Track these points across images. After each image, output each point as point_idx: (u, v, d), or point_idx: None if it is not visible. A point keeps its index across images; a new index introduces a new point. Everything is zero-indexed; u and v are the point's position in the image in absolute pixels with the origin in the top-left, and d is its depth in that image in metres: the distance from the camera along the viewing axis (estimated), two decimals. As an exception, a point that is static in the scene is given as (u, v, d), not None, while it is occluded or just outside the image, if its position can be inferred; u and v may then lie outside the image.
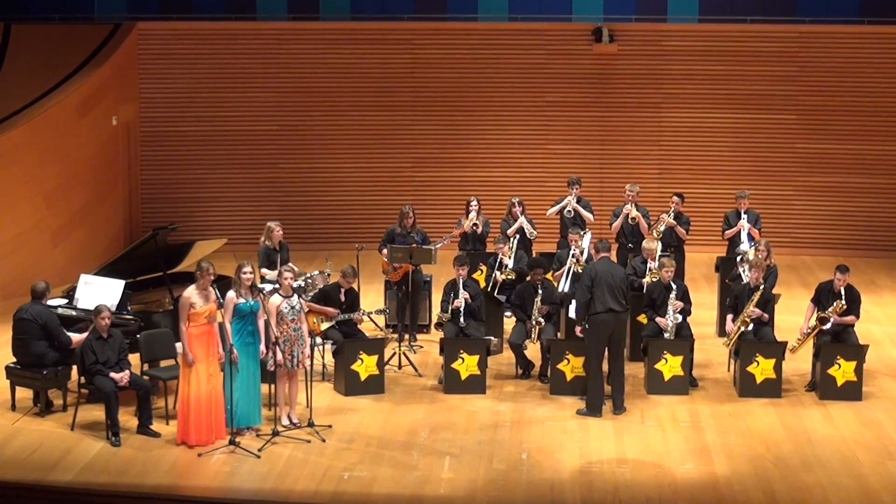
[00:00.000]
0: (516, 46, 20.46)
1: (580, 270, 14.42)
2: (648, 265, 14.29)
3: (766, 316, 13.27)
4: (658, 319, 13.32)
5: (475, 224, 15.69)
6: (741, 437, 11.86)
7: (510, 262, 14.92)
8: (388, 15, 20.45)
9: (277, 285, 12.25)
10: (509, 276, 14.71)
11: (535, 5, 20.47)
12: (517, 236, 15.43)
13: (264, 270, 14.23)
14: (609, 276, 12.37)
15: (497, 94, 20.51)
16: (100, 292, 12.85)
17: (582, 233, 15.00)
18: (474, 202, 15.85)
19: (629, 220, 15.57)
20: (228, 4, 20.55)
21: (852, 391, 12.84)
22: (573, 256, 14.52)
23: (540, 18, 20.46)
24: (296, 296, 11.95)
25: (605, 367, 12.61)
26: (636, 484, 10.73)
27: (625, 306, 12.43)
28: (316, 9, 20.69)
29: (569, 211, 15.81)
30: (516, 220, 15.67)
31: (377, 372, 13.03)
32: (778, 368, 12.92)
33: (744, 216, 15.50)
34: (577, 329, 12.70)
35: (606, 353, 12.52)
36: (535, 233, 15.74)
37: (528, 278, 13.94)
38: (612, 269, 12.53)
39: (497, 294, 14.63)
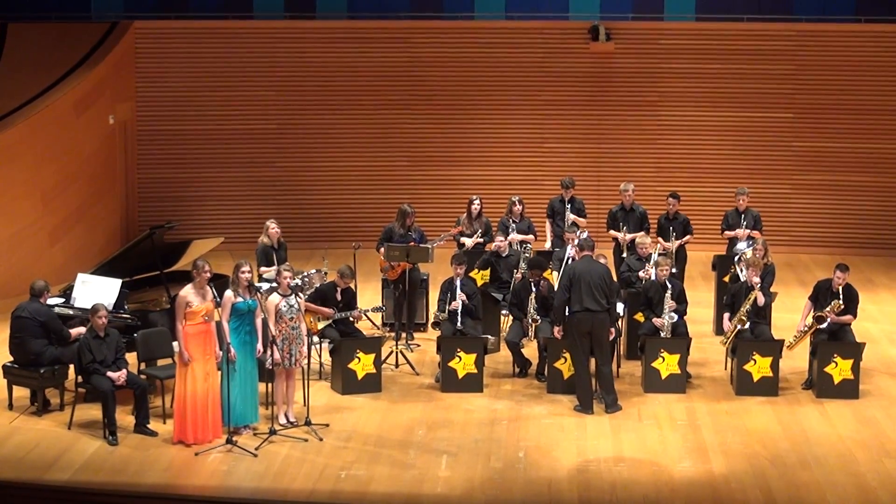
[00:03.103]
0: (513, 45, 20.48)
1: None
2: (645, 263, 14.30)
3: (762, 299, 13.22)
4: (654, 320, 13.31)
5: (479, 241, 15.51)
6: (738, 435, 11.86)
7: (519, 256, 14.69)
8: (385, 13, 20.49)
9: (275, 284, 12.25)
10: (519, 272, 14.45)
11: (532, 4, 20.50)
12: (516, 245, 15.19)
13: (262, 269, 14.25)
14: (588, 275, 12.35)
15: (494, 93, 20.52)
16: (97, 291, 12.84)
17: (578, 231, 14.96)
18: (476, 202, 15.70)
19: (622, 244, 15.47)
20: (225, 3, 20.57)
21: (849, 389, 12.85)
22: (570, 257, 14.47)
23: (536, 17, 20.48)
24: (294, 295, 11.94)
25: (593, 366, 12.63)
26: (633, 482, 10.73)
27: (604, 306, 12.36)
28: (312, 7, 20.70)
29: (570, 226, 15.44)
30: (517, 218, 15.54)
31: (374, 370, 13.02)
32: (775, 367, 12.93)
33: (743, 223, 15.49)
34: (556, 330, 12.72)
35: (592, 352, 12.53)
36: (530, 246, 15.35)
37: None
38: (591, 268, 12.48)
39: (493, 293, 14.59)
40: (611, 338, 12.59)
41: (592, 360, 12.56)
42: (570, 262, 14.43)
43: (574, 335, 12.44)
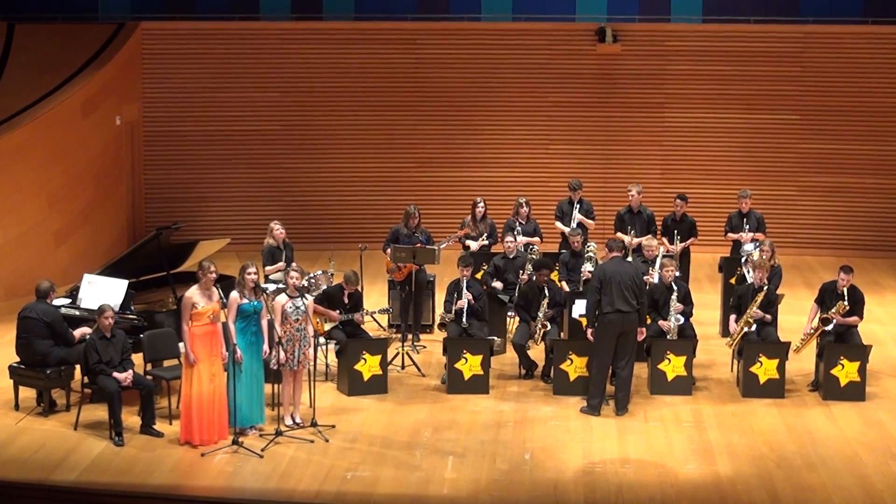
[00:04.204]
0: (520, 46, 20.47)
1: None
2: (650, 265, 14.28)
3: (768, 317, 13.26)
4: (661, 322, 13.29)
5: (484, 243, 15.53)
6: (744, 437, 11.85)
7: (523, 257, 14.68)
8: (392, 15, 20.49)
9: (283, 284, 12.24)
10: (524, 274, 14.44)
11: (539, 5, 20.49)
12: (525, 247, 15.16)
13: (268, 268, 14.26)
14: (618, 276, 12.31)
15: (500, 94, 20.51)
16: (103, 292, 12.86)
17: (581, 234, 14.90)
18: (481, 204, 15.72)
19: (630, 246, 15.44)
20: (232, 4, 20.58)
21: (855, 391, 12.83)
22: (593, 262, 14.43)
23: (543, 18, 20.47)
24: (301, 296, 11.92)
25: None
26: (639, 484, 10.73)
27: (635, 306, 12.32)
28: (319, 9, 20.71)
29: (574, 229, 15.37)
30: (523, 220, 15.54)
31: (380, 372, 13.02)
32: (781, 369, 12.92)
33: (745, 225, 15.48)
34: (589, 331, 12.65)
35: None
36: (536, 248, 15.36)
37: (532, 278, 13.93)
38: (622, 269, 12.46)
39: (500, 295, 14.57)
40: (640, 338, 12.54)
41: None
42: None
43: (604, 336, 12.41)
